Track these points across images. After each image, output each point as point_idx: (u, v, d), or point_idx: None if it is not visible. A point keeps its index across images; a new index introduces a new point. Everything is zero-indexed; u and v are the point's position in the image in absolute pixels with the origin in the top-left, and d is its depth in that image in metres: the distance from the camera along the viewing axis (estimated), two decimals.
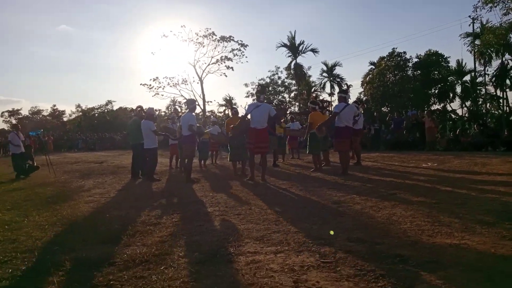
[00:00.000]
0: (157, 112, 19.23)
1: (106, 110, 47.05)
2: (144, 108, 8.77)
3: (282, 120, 11.99)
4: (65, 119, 59.73)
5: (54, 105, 63.58)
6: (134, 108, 10.32)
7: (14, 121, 52.62)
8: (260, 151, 6.93)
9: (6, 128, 48.71)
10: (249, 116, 6.98)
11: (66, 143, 30.70)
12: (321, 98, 32.22)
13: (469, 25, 25.97)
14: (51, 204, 5.45)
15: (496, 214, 3.70)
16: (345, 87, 31.13)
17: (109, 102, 47.96)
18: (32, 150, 11.47)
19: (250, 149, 7.01)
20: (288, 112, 31.86)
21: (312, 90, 37.44)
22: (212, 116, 21.84)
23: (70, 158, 17.41)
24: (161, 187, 6.98)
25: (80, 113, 50.02)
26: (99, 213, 4.72)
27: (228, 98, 45.47)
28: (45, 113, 63.80)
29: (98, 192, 6.49)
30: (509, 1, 16.14)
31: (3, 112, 62.38)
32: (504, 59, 26.83)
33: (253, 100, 36.14)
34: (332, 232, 3.23)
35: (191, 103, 7.99)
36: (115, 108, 48.73)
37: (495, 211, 3.85)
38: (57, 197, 6.11)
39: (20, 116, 60.85)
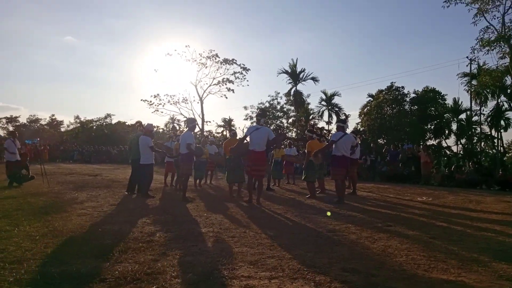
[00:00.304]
0: (155, 129, 19.28)
1: (104, 123, 46.99)
2: (143, 123, 8.80)
3: (282, 146, 12.07)
4: (62, 129, 59.56)
5: (53, 115, 63.65)
6: (134, 123, 10.38)
7: (11, 128, 52.41)
8: (257, 174, 6.95)
9: (3, 135, 48.38)
10: (248, 139, 7.04)
11: (62, 154, 30.46)
12: (319, 126, 32.60)
13: (467, 65, 26.74)
14: (43, 215, 5.37)
15: (493, 253, 3.69)
16: (343, 117, 31.52)
17: (108, 115, 48.00)
18: (27, 158, 11.36)
19: (247, 172, 7.03)
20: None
21: (310, 117, 37.83)
22: (210, 136, 21.86)
23: (65, 169, 17.24)
24: (156, 204, 6.92)
25: (78, 125, 49.90)
26: (92, 227, 4.65)
27: (227, 119, 45.74)
28: (43, 122, 63.68)
29: (91, 205, 6.41)
30: (505, 46, 16.70)
31: (0, 119, 62.24)
32: (499, 101, 27.38)
33: (252, 123, 36.40)
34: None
35: (191, 122, 8.05)
36: (113, 121, 48.76)
37: (492, 249, 3.84)
38: (50, 208, 6.02)
39: (17, 124, 60.61)
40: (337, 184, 7.53)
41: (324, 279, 2.82)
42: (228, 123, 42.97)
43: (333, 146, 7.41)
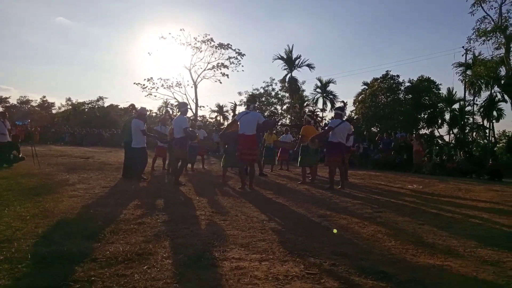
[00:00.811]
0: (148, 113, 19.08)
1: (96, 106, 46.54)
2: (136, 107, 8.71)
3: (274, 132, 12.07)
4: (54, 111, 58.88)
5: (44, 97, 62.78)
6: (127, 106, 10.27)
7: (1, 109, 51.57)
8: (248, 158, 6.90)
9: None
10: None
11: (53, 136, 30.18)
12: (318, 114, 32.62)
13: (462, 55, 26.75)
14: (34, 196, 5.33)
15: (479, 239, 3.76)
16: (341, 104, 31.47)
17: (101, 98, 47.53)
18: (19, 140, 11.23)
19: (238, 157, 7.00)
20: (279, 123, 32.08)
21: (305, 104, 37.77)
22: (198, 120, 21.64)
23: (56, 151, 17.09)
24: (147, 187, 6.91)
25: (70, 107, 49.39)
26: (83, 208, 4.64)
27: (221, 105, 45.53)
28: (34, 104, 62.84)
29: (83, 187, 6.38)
30: (501, 37, 16.73)
31: None
32: (493, 91, 27.55)
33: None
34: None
35: (183, 106, 7.97)
36: (106, 104, 48.28)
37: (479, 236, 3.92)
38: (40, 189, 5.98)
39: (7, 105, 59.68)
40: (331, 171, 7.59)
41: (314, 262, 2.86)
42: (235, 108, 42.57)
43: (330, 132, 7.42)
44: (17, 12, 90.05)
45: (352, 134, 8.62)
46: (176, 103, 30.59)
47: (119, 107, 47.75)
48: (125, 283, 2.32)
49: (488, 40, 17.13)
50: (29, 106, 62.14)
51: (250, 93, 36.23)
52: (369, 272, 2.66)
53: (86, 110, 46.27)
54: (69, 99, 52.26)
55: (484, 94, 28.72)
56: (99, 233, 3.45)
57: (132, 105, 8.99)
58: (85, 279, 2.37)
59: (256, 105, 7.38)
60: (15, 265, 2.59)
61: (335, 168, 7.70)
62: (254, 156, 7.03)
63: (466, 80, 26.45)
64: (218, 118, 46.64)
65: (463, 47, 25.76)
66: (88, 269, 2.54)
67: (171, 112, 38.29)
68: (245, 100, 37.78)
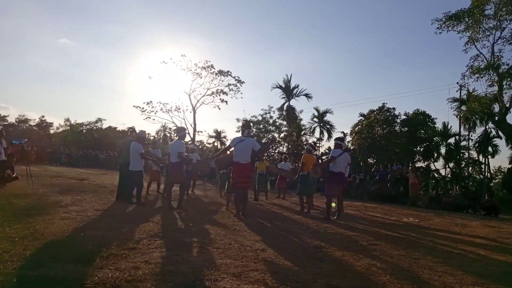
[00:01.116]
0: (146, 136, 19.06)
1: (95, 128, 46.63)
2: (136, 130, 8.74)
3: (264, 156, 12.01)
4: (52, 131, 58.95)
5: (43, 116, 62.99)
6: (125, 129, 10.31)
7: None
8: (241, 185, 6.89)
9: None
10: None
11: (49, 156, 30.02)
12: (312, 142, 32.76)
13: (457, 91, 27.27)
14: (25, 217, 5.24)
15: (476, 276, 3.70)
16: (341, 135, 31.67)
17: (99, 120, 47.72)
18: (14, 159, 11.16)
19: (232, 185, 6.98)
20: (277, 151, 32.12)
21: (302, 133, 38.07)
22: (190, 144, 21.47)
23: (51, 172, 16.94)
24: (140, 211, 6.81)
25: (68, 127, 49.45)
26: (74, 231, 4.56)
27: (218, 131, 45.79)
28: (32, 123, 62.94)
29: (75, 209, 6.29)
30: (494, 74, 17.14)
31: None
32: (487, 127, 27.95)
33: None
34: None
35: (180, 131, 8.03)
36: (104, 126, 48.41)
37: (475, 272, 3.85)
38: (32, 210, 5.88)
39: (5, 123, 59.75)
40: (328, 201, 7.55)
41: None
42: (218, 135, 42.91)
43: (332, 162, 7.45)
44: (19, 32, 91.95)
45: (349, 164, 8.64)
46: (175, 127, 30.66)
47: (117, 129, 47.88)
48: None
49: (482, 77, 17.51)
50: (27, 125, 62.22)
51: (244, 119, 36.52)
52: None
53: (84, 131, 46.31)
54: (67, 120, 52.42)
55: (479, 130, 29.15)
56: (88, 257, 3.37)
57: (132, 128, 9.02)
58: None
59: (251, 130, 7.35)
60: None
61: (334, 198, 7.68)
62: (248, 184, 7.03)
63: (461, 115, 26.86)
64: (216, 143, 46.76)
65: (457, 83, 26.33)
66: None
67: (168, 136, 38.40)
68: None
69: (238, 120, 38.89)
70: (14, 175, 9.99)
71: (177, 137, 7.73)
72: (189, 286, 2.79)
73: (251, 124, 32.86)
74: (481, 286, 3.37)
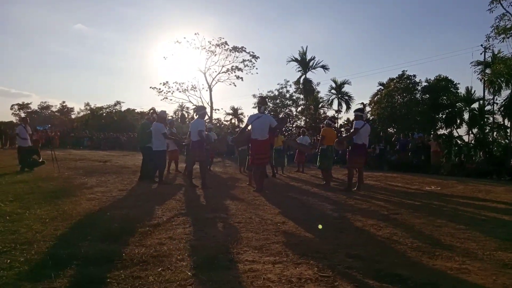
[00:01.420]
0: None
1: (114, 111, 47.32)
2: (157, 110, 8.80)
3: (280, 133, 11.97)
4: (73, 116, 60.36)
5: (64, 102, 64.52)
6: (143, 110, 10.40)
7: (23, 115, 53.13)
8: (259, 162, 6.96)
9: (15, 121, 49.17)
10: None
11: (72, 140, 30.86)
12: (331, 116, 32.36)
13: (481, 53, 26.09)
14: (53, 199, 5.47)
15: (499, 242, 3.66)
16: (361, 106, 31.01)
17: (118, 102, 48.27)
18: (39, 144, 11.55)
19: (250, 161, 7.05)
20: (294, 126, 31.93)
21: (320, 106, 37.54)
22: (208, 123, 21.54)
23: (75, 155, 17.49)
24: (163, 190, 6.99)
25: (89, 112, 50.41)
26: (100, 211, 4.73)
27: (235, 107, 45.74)
28: (54, 109, 64.62)
29: (100, 190, 6.51)
30: None
31: (13, 105, 63.29)
32: None
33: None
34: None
35: (200, 110, 7.98)
36: (123, 109, 49.08)
37: (498, 238, 3.81)
38: (60, 192, 6.13)
39: (29, 110, 61.58)
40: (350, 172, 7.54)
41: (328, 265, 2.84)
42: (235, 112, 42.86)
43: (356, 134, 7.40)
44: (37, 19, 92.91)
45: (369, 135, 8.49)
46: (193, 107, 30.82)
47: (136, 111, 48.53)
48: (140, 285, 2.36)
49: (508, 38, 16.61)
50: (49, 111, 63.91)
51: (259, 95, 36.20)
52: (384, 275, 2.62)
53: (104, 114, 47.09)
54: (87, 104, 53.42)
55: (505, 93, 27.88)
56: (115, 235, 3.52)
57: (153, 109, 9.07)
58: (101, 280, 2.42)
59: (267, 106, 7.31)
60: (34, 266, 2.66)
61: (356, 169, 7.66)
62: (266, 159, 7.09)
63: (485, 78, 25.74)
64: (233, 120, 46.83)
65: (481, 45, 25.14)
66: (104, 270, 2.60)
67: (186, 115, 38.69)
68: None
69: (254, 96, 38.67)
70: (40, 160, 10.36)
71: (197, 116, 7.73)
72: (213, 260, 2.88)
73: (267, 100, 32.64)
74: (504, 251, 3.34)
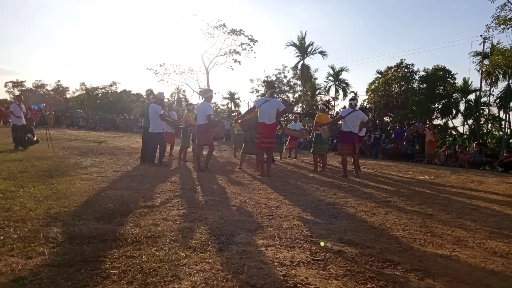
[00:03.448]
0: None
1: (110, 91, 46.92)
2: (154, 92, 8.70)
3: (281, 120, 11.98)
4: (68, 95, 59.80)
5: (59, 81, 63.76)
6: (138, 92, 10.21)
7: (17, 92, 52.51)
8: (266, 146, 6.96)
9: (9, 99, 48.59)
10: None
11: (67, 120, 30.66)
12: (329, 101, 32.28)
13: (480, 44, 26.03)
14: (47, 178, 5.45)
15: (489, 231, 3.72)
16: (352, 94, 31.01)
17: (114, 83, 47.87)
18: (33, 123, 11.44)
19: (257, 144, 7.04)
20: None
21: (317, 92, 37.45)
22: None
23: (70, 135, 17.39)
24: (158, 172, 6.99)
25: (84, 92, 49.93)
26: (94, 191, 4.73)
27: (232, 92, 45.48)
28: (48, 88, 63.80)
29: (95, 171, 6.49)
30: None
31: (6, 83, 62.51)
32: (510, 82, 26.80)
33: (257, 96, 36.09)
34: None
35: (206, 92, 7.75)
36: (119, 90, 48.64)
37: (489, 227, 3.87)
38: (54, 172, 6.10)
39: (23, 88, 60.80)
40: (343, 159, 7.62)
41: (320, 249, 2.87)
42: (232, 96, 42.68)
43: (342, 122, 7.46)
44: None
45: (368, 123, 8.45)
46: (200, 90, 30.55)
47: (132, 92, 48.12)
48: (133, 264, 2.37)
49: (508, 29, 16.52)
50: (44, 90, 63.11)
51: (266, 79, 35.89)
52: (375, 260, 2.66)
53: (100, 95, 46.70)
54: (83, 84, 52.83)
55: (502, 85, 28.01)
56: (109, 215, 3.52)
57: (150, 90, 8.92)
58: (94, 259, 2.43)
59: (275, 90, 7.30)
60: (28, 244, 2.66)
61: (346, 156, 7.72)
62: (272, 144, 7.10)
63: (483, 69, 25.75)
64: (230, 105, 46.66)
65: (481, 35, 25.07)
66: (98, 249, 2.61)
67: (182, 98, 38.40)
68: (256, 87, 37.62)
69: (251, 81, 38.46)
70: (35, 139, 10.29)
71: (203, 99, 7.61)
72: (206, 242, 2.90)
73: (275, 84, 32.42)
74: (494, 240, 3.40)
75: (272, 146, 7.13)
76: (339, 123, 7.93)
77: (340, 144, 7.67)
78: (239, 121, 7.67)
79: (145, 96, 8.82)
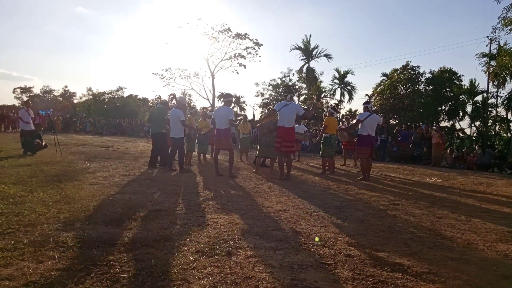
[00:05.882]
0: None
1: (116, 96, 47.25)
2: (176, 96, 8.67)
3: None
4: (75, 101, 60.33)
5: (66, 86, 64.38)
6: (156, 97, 10.14)
7: (25, 98, 53.08)
8: (286, 150, 7.01)
9: (17, 105, 49.15)
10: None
11: (74, 125, 30.93)
12: (335, 104, 32.22)
13: (486, 45, 25.77)
14: (56, 183, 5.50)
15: (500, 233, 3.68)
16: (367, 98, 30.83)
17: (120, 88, 48.20)
18: (42, 128, 11.56)
19: (277, 148, 7.07)
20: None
21: (322, 95, 37.36)
22: (209, 110, 21.51)
23: (77, 140, 17.53)
24: (165, 176, 7.01)
25: (91, 97, 50.33)
26: (103, 195, 4.76)
27: (237, 96, 45.57)
28: (56, 93, 64.49)
29: (103, 175, 6.54)
30: None
31: (15, 89, 63.24)
32: None
33: (263, 100, 36.11)
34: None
35: (226, 97, 7.66)
36: (125, 95, 48.98)
37: (499, 230, 3.83)
38: (62, 176, 6.15)
39: (31, 94, 61.49)
40: (363, 163, 7.66)
41: (329, 252, 2.86)
42: (237, 100, 42.73)
43: (360, 125, 7.50)
44: (39, 2, 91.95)
45: (381, 125, 8.48)
46: (219, 94, 30.56)
47: (138, 97, 48.45)
48: (142, 268, 2.38)
49: None
50: (52, 95, 63.79)
51: (269, 84, 35.86)
52: (384, 264, 2.64)
53: (106, 100, 47.04)
54: (90, 89, 53.23)
55: (509, 86, 27.82)
56: (118, 219, 3.54)
57: (173, 94, 8.82)
58: (104, 263, 2.44)
59: (293, 94, 7.49)
60: (38, 248, 2.69)
61: (367, 159, 7.73)
62: (292, 148, 7.20)
63: (490, 71, 25.53)
64: (235, 109, 46.74)
65: (487, 36, 24.83)
66: (107, 253, 2.62)
67: (189, 102, 38.53)
68: (261, 91, 37.69)
69: (257, 84, 38.53)
70: (43, 144, 10.39)
71: (223, 104, 7.59)
72: (215, 245, 2.90)
73: (292, 89, 32.27)
74: (504, 243, 3.36)
75: (292, 150, 7.25)
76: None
77: (359, 147, 7.69)
78: (258, 124, 7.76)
79: (168, 100, 8.74)
